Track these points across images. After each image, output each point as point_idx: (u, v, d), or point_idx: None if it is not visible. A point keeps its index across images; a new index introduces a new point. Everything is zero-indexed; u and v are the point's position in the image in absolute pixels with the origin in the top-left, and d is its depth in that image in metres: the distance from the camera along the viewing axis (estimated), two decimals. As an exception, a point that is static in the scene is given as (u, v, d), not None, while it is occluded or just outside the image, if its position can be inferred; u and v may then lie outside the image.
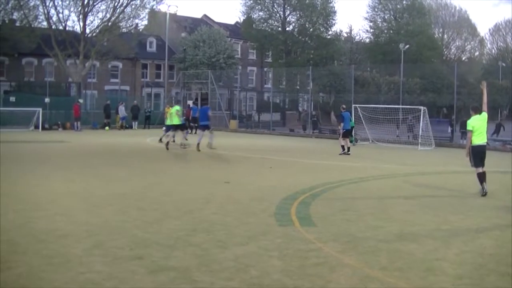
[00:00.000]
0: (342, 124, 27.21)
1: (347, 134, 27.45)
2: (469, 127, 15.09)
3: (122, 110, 48.57)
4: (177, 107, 29.74)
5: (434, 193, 15.45)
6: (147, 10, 61.60)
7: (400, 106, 37.36)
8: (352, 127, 31.08)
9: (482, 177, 14.88)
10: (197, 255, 8.40)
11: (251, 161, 23.69)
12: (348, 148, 26.79)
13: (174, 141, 29.96)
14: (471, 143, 14.97)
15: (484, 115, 15.12)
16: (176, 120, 29.17)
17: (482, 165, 14.93)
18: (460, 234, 10.24)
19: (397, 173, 19.67)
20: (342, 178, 18.11)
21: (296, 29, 68.94)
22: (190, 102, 49.38)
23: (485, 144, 15.30)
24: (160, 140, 31.24)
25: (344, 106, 29.20)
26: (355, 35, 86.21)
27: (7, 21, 55.53)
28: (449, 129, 38.70)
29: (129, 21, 59.92)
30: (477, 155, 14.90)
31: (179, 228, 10.16)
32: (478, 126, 15.01)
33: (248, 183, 16.76)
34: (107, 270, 7.58)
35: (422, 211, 12.57)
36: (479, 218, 11.80)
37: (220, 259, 8.22)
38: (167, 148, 27.27)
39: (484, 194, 14.68)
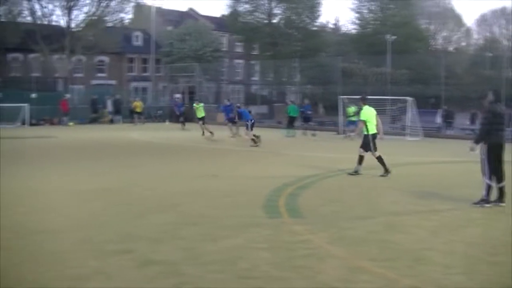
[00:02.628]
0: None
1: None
2: (362, 118, 16.80)
3: (109, 105, 48.57)
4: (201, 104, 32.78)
5: (422, 183, 15.45)
6: (132, 4, 61.51)
7: (389, 97, 37.25)
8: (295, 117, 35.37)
9: (381, 161, 16.49)
10: (185, 248, 8.38)
11: (238, 154, 23.66)
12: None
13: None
14: (367, 132, 16.64)
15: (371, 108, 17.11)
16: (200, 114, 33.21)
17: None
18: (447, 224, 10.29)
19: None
20: (329, 169, 18.11)
21: (282, 21, 68.77)
22: (178, 95, 49.39)
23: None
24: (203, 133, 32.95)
25: (239, 104, 32.66)
26: (341, 27, 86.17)
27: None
28: (439, 120, 38.67)
29: (114, 15, 59.67)
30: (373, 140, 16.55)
31: (166, 222, 10.15)
32: (371, 116, 16.76)
33: (236, 176, 16.75)
34: (96, 265, 7.57)
35: (410, 201, 12.58)
36: (467, 208, 11.82)
37: (209, 252, 8.21)
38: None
39: (353, 173, 16.48)
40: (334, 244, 8.74)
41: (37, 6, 55.81)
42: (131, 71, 69.17)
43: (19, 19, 56.13)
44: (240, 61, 74.45)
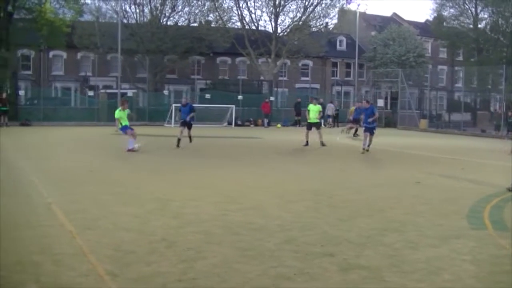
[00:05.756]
0: None
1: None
2: None
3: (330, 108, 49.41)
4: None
5: None
6: (337, 9, 61.93)
7: None
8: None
9: None
10: (389, 255, 8.38)
11: (441, 162, 23.16)
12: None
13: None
14: None
15: None
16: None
17: None
18: None
19: None
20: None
21: (488, 26, 66.39)
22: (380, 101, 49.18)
23: None
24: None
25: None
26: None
27: (203, 22, 58.00)
28: None
29: (319, 20, 60.55)
30: None
31: (370, 227, 10.18)
32: None
33: (439, 184, 16.43)
34: (299, 265, 7.74)
35: None
36: None
37: (412, 260, 8.16)
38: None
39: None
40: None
41: (246, 12, 58.07)
42: (334, 75, 69.81)
43: (229, 25, 58.51)
44: (444, 67, 72.71)
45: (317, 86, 66.61)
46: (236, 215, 10.90)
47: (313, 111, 27.83)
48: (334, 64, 70.56)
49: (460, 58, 70.08)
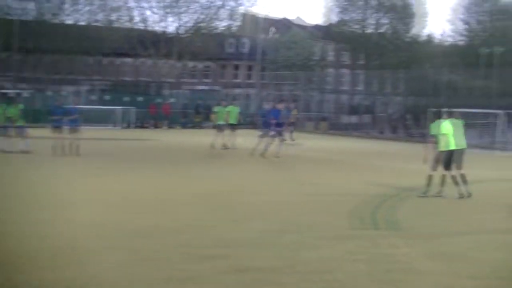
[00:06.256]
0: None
1: None
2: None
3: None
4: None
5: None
6: (240, 12, 62.17)
7: (487, 111, 35.50)
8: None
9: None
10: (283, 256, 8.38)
11: (338, 163, 23.50)
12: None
13: None
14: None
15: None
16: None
17: None
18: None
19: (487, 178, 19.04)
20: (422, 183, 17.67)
21: (389, 31, 68.15)
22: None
23: None
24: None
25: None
26: (448, 38, 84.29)
27: (94, 23, 57.03)
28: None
29: (222, 22, 60.62)
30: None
31: (265, 229, 10.17)
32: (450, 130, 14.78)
33: (334, 185, 16.64)
34: (192, 268, 7.67)
35: (506, 217, 12.24)
36: None
37: (306, 261, 8.19)
38: None
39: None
40: (431, 259, 8.55)
41: (148, 13, 57.49)
42: (236, 78, 69.97)
43: (130, 25, 57.79)
44: (345, 70, 74.01)
45: (219, 88, 66.52)
46: (131, 219, 10.71)
47: (233, 112, 27.86)
48: (236, 67, 70.69)
49: (362, 61, 71.46)
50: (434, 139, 14.91)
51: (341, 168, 21.85)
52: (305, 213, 11.80)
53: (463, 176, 14.53)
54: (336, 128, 50.85)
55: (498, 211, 13.03)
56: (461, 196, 14.30)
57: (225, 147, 26.96)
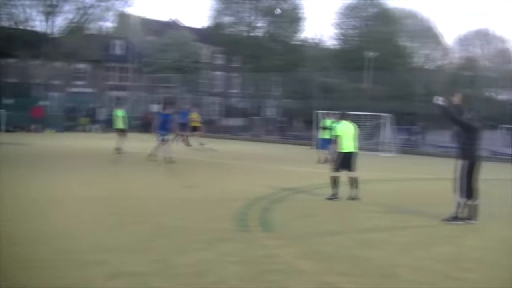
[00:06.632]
0: None
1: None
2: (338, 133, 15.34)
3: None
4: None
5: (394, 199, 15.48)
6: (114, 12, 61.31)
7: (366, 113, 37.05)
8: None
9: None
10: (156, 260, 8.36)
11: (214, 166, 23.60)
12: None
13: None
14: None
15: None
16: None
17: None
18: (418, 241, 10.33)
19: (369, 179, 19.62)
20: (303, 183, 18.09)
21: (265, 35, 69.11)
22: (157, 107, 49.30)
23: None
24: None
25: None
26: (324, 42, 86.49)
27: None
28: (411, 136, 39.15)
29: (96, 22, 59.62)
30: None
31: (139, 233, 10.14)
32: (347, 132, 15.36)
33: (211, 188, 16.71)
34: (73, 275, 7.56)
35: (381, 217, 12.64)
36: (438, 225, 11.85)
37: (179, 265, 8.20)
38: None
39: None
40: (304, 258, 8.74)
41: (17, 11, 55.37)
42: (110, 80, 68.82)
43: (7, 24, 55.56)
44: (221, 73, 74.45)
45: (93, 90, 65.31)
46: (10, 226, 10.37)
47: (119, 115, 27.95)
48: (111, 68, 69.58)
49: (237, 64, 72.07)
50: (336, 140, 15.29)
51: (216, 170, 21.99)
52: (183, 218, 11.80)
53: (355, 179, 15.11)
54: (212, 130, 50.94)
55: (375, 211, 13.51)
56: (351, 198, 14.82)
57: (118, 151, 26.80)
